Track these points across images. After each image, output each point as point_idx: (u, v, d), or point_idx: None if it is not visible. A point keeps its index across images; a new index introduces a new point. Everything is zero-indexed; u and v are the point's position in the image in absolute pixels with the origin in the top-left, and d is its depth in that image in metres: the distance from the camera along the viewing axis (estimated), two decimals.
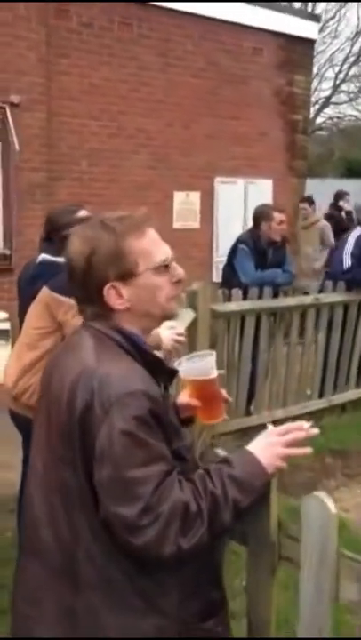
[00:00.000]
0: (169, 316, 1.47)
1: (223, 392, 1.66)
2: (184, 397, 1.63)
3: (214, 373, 1.61)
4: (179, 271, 1.43)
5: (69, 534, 1.33)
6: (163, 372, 1.44)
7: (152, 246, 1.40)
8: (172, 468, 1.31)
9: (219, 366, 4.75)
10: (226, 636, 1.48)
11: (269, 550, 1.51)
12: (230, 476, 1.35)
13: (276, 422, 4.80)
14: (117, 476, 1.24)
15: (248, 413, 5.02)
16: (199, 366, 1.59)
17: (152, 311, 1.42)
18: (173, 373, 1.51)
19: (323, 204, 9.09)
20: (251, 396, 5.02)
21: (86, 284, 1.38)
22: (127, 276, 1.37)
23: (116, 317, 1.39)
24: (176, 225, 7.93)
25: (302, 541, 1.41)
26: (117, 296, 1.37)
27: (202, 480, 1.34)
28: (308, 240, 7.99)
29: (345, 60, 21.75)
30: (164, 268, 1.40)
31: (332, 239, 7.84)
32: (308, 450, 1.44)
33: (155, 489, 1.25)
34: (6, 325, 6.23)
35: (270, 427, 1.48)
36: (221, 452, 1.60)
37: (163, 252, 1.41)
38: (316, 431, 1.44)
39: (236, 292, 4.72)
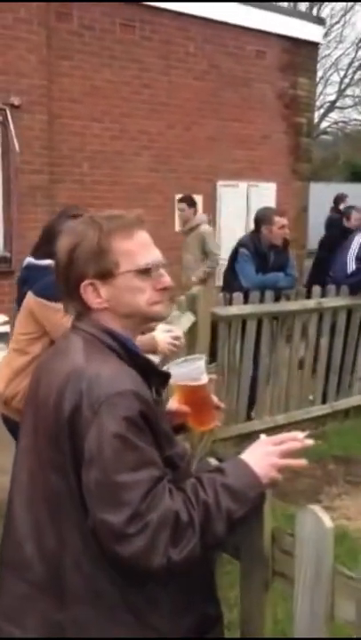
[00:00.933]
0: (154, 319, 1.43)
1: (215, 398, 1.59)
2: (173, 404, 1.56)
3: (205, 379, 1.54)
4: (164, 279, 1.38)
5: (55, 545, 1.27)
6: (154, 375, 1.39)
7: (138, 248, 1.35)
8: (162, 475, 1.25)
9: (219, 371, 4.66)
10: None
11: (262, 565, 1.44)
12: (224, 485, 1.28)
13: (277, 428, 4.72)
14: (105, 481, 1.18)
15: (249, 418, 4.94)
16: (188, 371, 1.53)
17: (132, 313, 1.37)
18: (166, 377, 1.45)
19: (328, 209, 9.00)
20: (252, 401, 4.94)
21: (67, 279, 1.35)
22: (106, 274, 1.33)
23: (97, 316, 1.36)
24: (178, 228, 7.88)
25: (296, 557, 1.34)
26: (95, 294, 1.34)
27: (194, 489, 1.27)
28: (187, 247, 6.55)
29: (350, 64, 21.78)
30: (147, 271, 1.35)
31: (212, 247, 6.49)
32: (303, 462, 1.37)
33: (144, 495, 1.19)
34: (6, 329, 6.19)
35: (263, 436, 1.41)
36: (214, 462, 1.53)
37: (149, 256, 1.37)
38: (310, 442, 1.37)
39: (238, 296, 4.65)
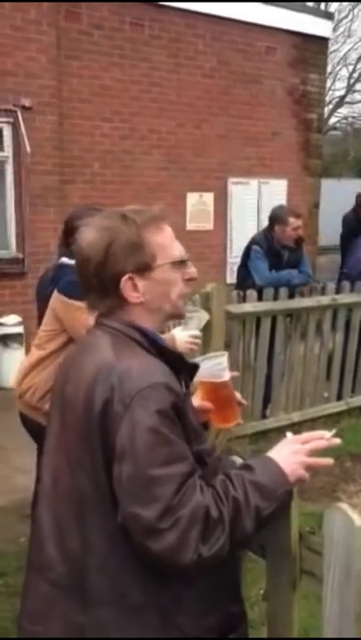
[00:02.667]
0: (177, 315, 1.45)
1: (238, 395, 1.58)
2: (196, 401, 1.55)
3: (227, 375, 1.53)
4: (192, 269, 1.42)
5: (79, 546, 1.26)
6: (183, 368, 1.38)
7: (170, 241, 1.38)
8: (193, 470, 1.24)
9: (234, 368, 4.67)
10: None
11: (290, 564, 1.43)
12: (252, 482, 1.27)
13: (293, 425, 4.70)
14: (137, 475, 1.17)
15: (264, 416, 4.92)
16: (210, 368, 1.52)
17: (163, 307, 1.38)
18: (194, 369, 1.44)
19: (340, 204, 8.91)
20: (267, 398, 4.92)
21: (101, 276, 1.33)
22: (145, 268, 1.34)
23: (129, 311, 1.36)
24: (190, 226, 7.87)
25: (325, 556, 1.32)
26: (133, 288, 1.34)
27: (223, 485, 1.26)
28: None
29: (359, 59, 21.60)
30: (181, 263, 1.39)
31: None
32: (330, 460, 1.36)
33: (176, 490, 1.18)
34: (20, 329, 6.20)
35: (290, 434, 1.40)
36: (238, 459, 1.52)
37: (179, 248, 1.40)
38: (338, 441, 1.36)
39: (251, 293, 4.63)
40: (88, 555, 1.25)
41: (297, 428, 4.81)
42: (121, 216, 1.36)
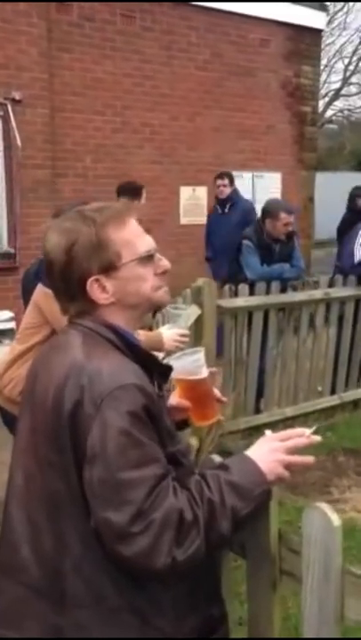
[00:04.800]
0: (158, 306, 1.41)
1: (216, 391, 1.55)
2: (174, 399, 1.52)
3: (204, 372, 1.50)
4: (163, 262, 1.36)
5: (53, 548, 1.23)
6: (156, 369, 1.35)
7: (134, 237, 1.33)
8: (166, 472, 1.20)
9: (227, 363, 4.62)
10: None
11: (269, 564, 1.40)
12: (229, 482, 1.24)
13: (286, 420, 4.67)
14: (108, 478, 1.14)
15: (257, 411, 4.89)
16: (187, 365, 1.48)
17: (137, 303, 1.34)
18: (168, 370, 1.41)
19: (336, 198, 8.88)
20: (260, 393, 4.89)
21: (67, 279, 1.30)
22: (110, 268, 1.29)
23: (102, 312, 1.32)
24: (183, 220, 7.83)
25: (303, 556, 1.29)
26: (101, 290, 1.30)
27: (198, 487, 1.23)
28: None
29: (354, 51, 21.51)
30: (148, 258, 1.33)
31: None
32: (310, 459, 1.32)
33: (148, 493, 1.15)
34: (12, 324, 6.16)
35: (269, 432, 1.37)
36: (217, 458, 1.49)
37: (146, 242, 1.34)
38: (318, 438, 1.32)
39: (243, 288, 4.60)
40: (63, 556, 1.22)
41: (290, 422, 4.78)
42: (81, 216, 1.31)
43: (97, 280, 1.28)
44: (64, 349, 1.29)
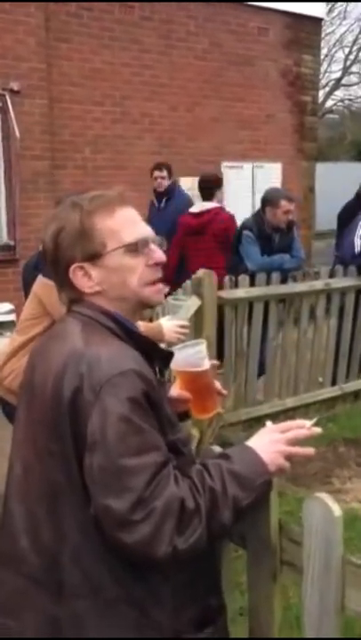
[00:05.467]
0: (145, 303, 1.36)
1: (217, 384, 1.54)
2: (175, 390, 1.51)
3: (206, 364, 1.48)
4: (157, 254, 1.32)
5: (52, 538, 1.23)
6: (157, 355, 1.34)
7: (123, 225, 1.30)
8: (167, 460, 1.20)
9: (227, 355, 4.60)
10: None
11: (270, 555, 1.39)
12: (230, 471, 1.23)
13: (287, 411, 4.66)
14: (109, 465, 1.13)
15: (258, 402, 4.88)
16: (188, 357, 1.47)
17: (125, 296, 1.31)
18: (169, 356, 1.39)
19: (337, 188, 8.84)
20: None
21: (55, 266, 1.31)
22: (94, 256, 1.28)
23: (90, 301, 1.31)
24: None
25: (304, 547, 1.29)
26: (86, 278, 1.29)
27: (200, 475, 1.22)
28: None
29: (355, 41, 21.39)
30: (136, 247, 1.30)
31: None
32: (310, 450, 1.32)
33: (149, 481, 1.14)
34: (12, 317, 6.15)
35: (269, 423, 1.36)
36: (217, 449, 1.48)
37: (137, 231, 1.31)
38: (318, 430, 1.31)
39: (243, 279, 4.58)
40: (62, 546, 1.22)
41: (291, 413, 4.78)
42: (71, 203, 1.31)
43: (81, 267, 1.28)
44: (62, 338, 1.28)
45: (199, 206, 5.51)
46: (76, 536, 1.21)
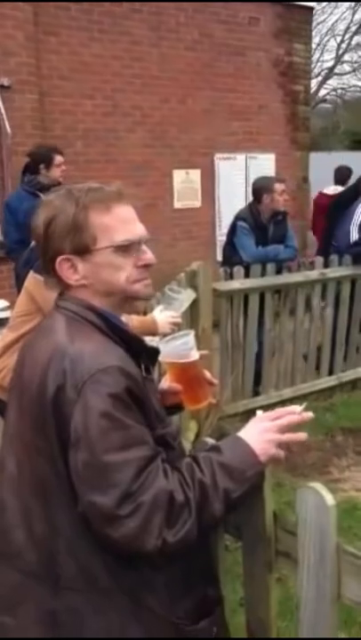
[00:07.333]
0: (133, 298, 1.35)
1: (207, 374, 1.53)
2: (166, 383, 1.50)
3: (194, 355, 1.48)
4: (147, 255, 1.31)
5: (46, 532, 1.23)
6: (142, 351, 1.33)
7: (117, 223, 1.29)
8: (154, 454, 1.19)
9: (223, 347, 4.59)
10: (222, 636, 1.36)
11: (265, 545, 1.39)
12: (220, 463, 1.23)
13: (284, 402, 4.67)
14: (93, 461, 1.14)
15: (256, 394, 4.88)
16: (176, 348, 1.47)
17: (111, 291, 1.31)
18: (155, 353, 1.38)
19: (331, 178, 8.78)
20: (258, 375, 4.88)
21: (43, 254, 1.31)
22: (83, 250, 1.27)
23: (76, 293, 1.30)
24: (177, 205, 7.77)
25: (299, 537, 1.28)
26: (72, 270, 1.28)
27: (189, 468, 1.22)
28: None
29: (347, 29, 21.26)
30: (126, 248, 1.28)
31: None
32: (303, 435, 1.30)
33: (135, 476, 1.14)
34: (7, 314, 6.13)
35: (260, 412, 1.35)
36: (210, 441, 1.47)
37: (130, 231, 1.30)
38: (310, 415, 1.30)
39: (238, 270, 4.57)
40: (56, 539, 1.22)
41: (288, 404, 4.74)
42: (67, 194, 1.30)
43: (68, 260, 1.27)
44: (48, 334, 1.28)
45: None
46: (68, 529, 1.21)
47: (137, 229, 1.31)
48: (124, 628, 1.22)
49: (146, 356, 1.33)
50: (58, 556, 1.22)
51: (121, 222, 1.29)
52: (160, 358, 1.43)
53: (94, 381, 1.15)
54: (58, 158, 4.66)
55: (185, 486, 1.18)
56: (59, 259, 1.28)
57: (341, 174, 7.94)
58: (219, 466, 1.22)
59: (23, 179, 4.69)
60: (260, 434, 1.28)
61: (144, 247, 1.31)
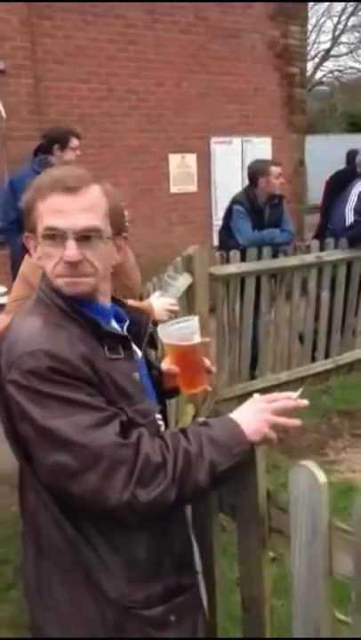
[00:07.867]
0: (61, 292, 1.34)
1: (206, 361, 1.55)
2: (165, 365, 1.53)
3: (196, 339, 1.50)
4: (67, 252, 1.25)
5: (30, 503, 1.34)
6: (103, 334, 1.30)
7: (46, 212, 1.26)
8: (108, 415, 1.22)
9: (220, 331, 4.59)
10: (181, 626, 1.35)
11: (258, 523, 1.42)
12: (208, 436, 1.27)
13: (281, 385, 4.69)
14: (40, 427, 1.19)
15: (252, 377, 4.92)
16: (178, 329, 1.50)
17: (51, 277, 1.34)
18: (121, 337, 1.34)
19: (328, 161, 8.76)
20: (254, 359, 4.91)
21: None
22: (33, 232, 1.31)
23: (47, 277, 1.34)
24: (173, 189, 7.76)
25: (291, 515, 1.31)
26: (33, 249, 1.33)
27: (175, 437, 1.26)
28: None
29: (343, 10, 21.05)
30: (51, 237, 1.26)
31: None
32: (296, 421, 1.33)
33: (84, 434, 1.18)
34: (4, 299, 6.14)
35: (257, 395, 1.38)
36: (201, 420, 1.51)
37: (53, 222, 1.26)
38: (305, 402, 1.33)
39: (235, 254, 4.58)
40: (35, 513, 1.32)
41: (285, 387, 4.81)
42: (39, 174, 1.34)
43: (31, 238, 1.32)
44: (18, 315, 1.34)
45: None
46: (35, 501, 1.31)
47: (63, 221, 1.25)
48: (80, 603, 1.28)
49: (109, 339, 1.31)
50: (39, 525, 1.31)
51: (50, 211, 1.26)
52: (162, 338, 1.47)
53: (20, 362, 1.20)
54: (74, 141, 4.45)
55: (164, 450, 1.22)
56: (25, 234, 1.33)
57: (353, 157, 7.90)
58: (207, 438, 1.26)
59: (34, 159, 4.58)
60: (255, 414, 1.31)
61: (69, 243, 1.25)
